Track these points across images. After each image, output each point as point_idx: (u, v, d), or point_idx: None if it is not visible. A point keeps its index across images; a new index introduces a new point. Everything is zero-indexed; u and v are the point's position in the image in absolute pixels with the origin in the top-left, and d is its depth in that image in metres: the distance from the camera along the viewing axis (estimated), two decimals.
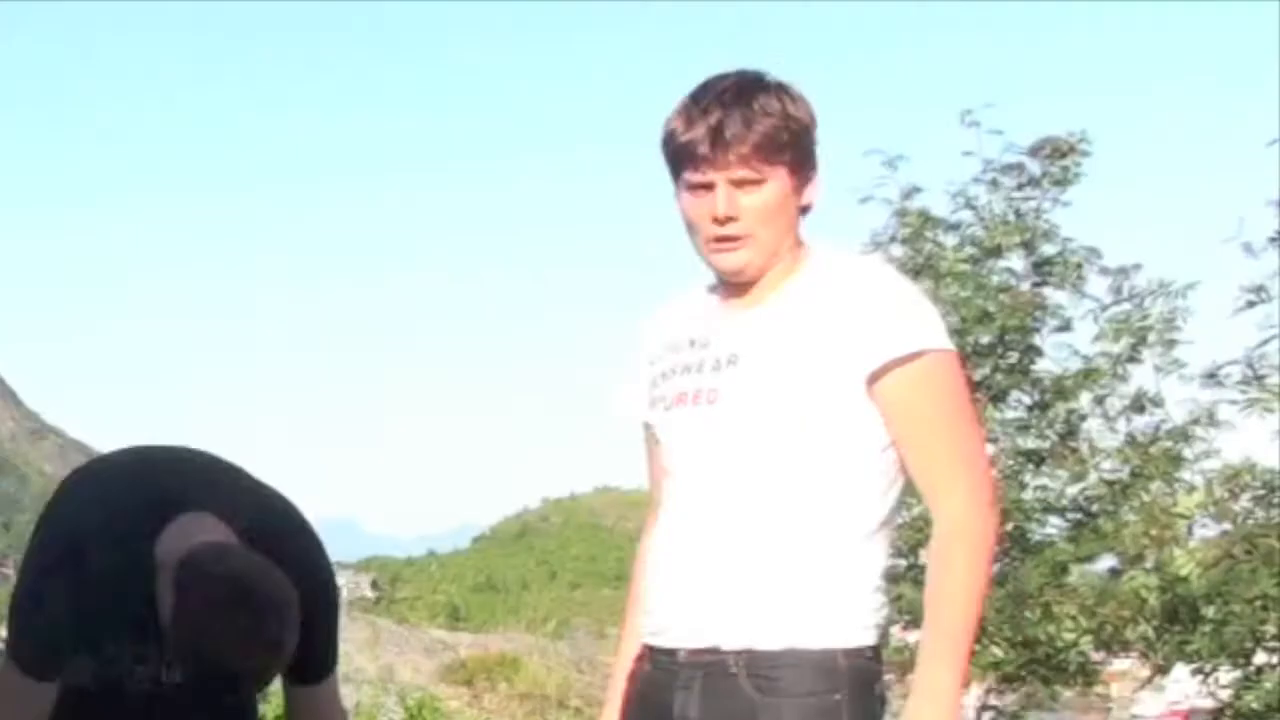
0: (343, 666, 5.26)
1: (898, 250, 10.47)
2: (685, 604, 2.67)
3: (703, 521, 2.68)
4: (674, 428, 2.74)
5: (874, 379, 2.52)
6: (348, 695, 5.62)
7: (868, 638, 2.61)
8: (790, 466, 2.59)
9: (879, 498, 2.63)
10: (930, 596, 2.56)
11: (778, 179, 2.58)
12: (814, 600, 2.58)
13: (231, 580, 2.79)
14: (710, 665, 2.62)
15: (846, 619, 2.60)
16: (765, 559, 2.60)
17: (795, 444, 2.59)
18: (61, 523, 3.10)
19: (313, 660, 3.15)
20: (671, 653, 2.69)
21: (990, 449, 10.15)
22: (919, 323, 2.57)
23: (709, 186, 2.55)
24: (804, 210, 2.74)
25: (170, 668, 2.92)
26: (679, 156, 2.61)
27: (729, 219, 2.54)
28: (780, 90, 2.59)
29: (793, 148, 2.60)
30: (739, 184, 2.52)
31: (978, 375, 10.05)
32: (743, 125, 2.50)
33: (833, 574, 2.58)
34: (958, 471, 2.54)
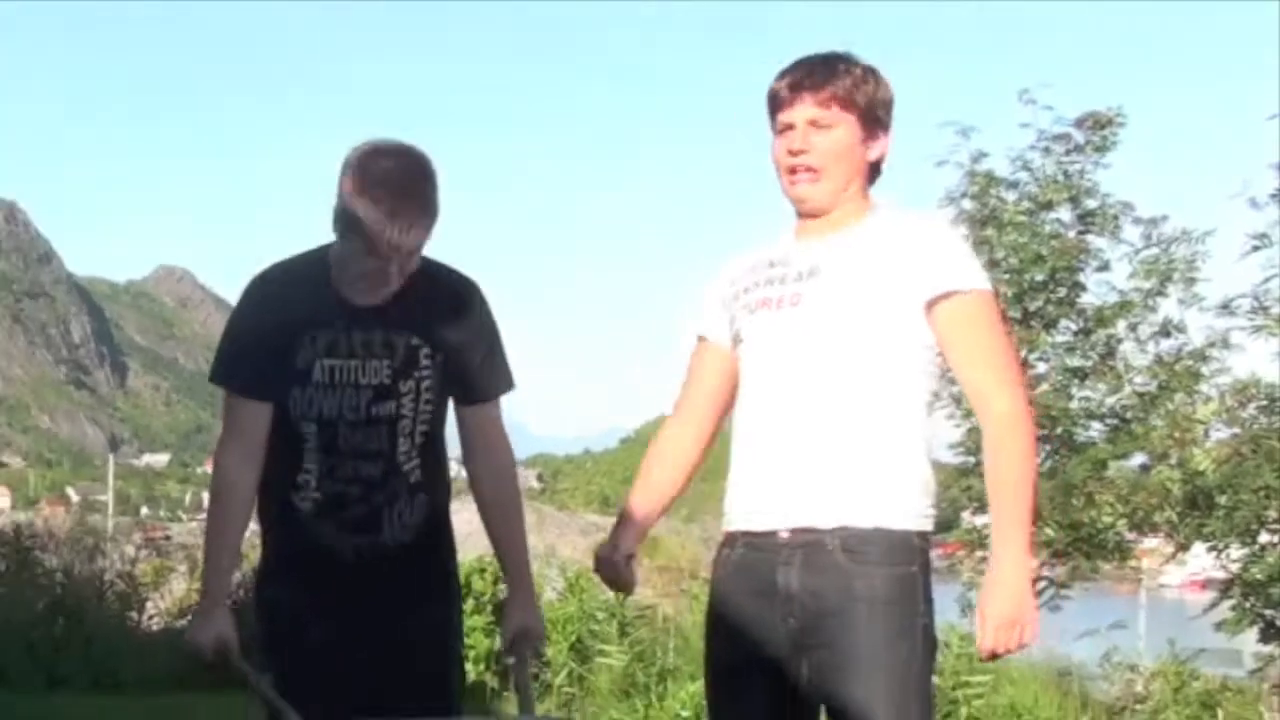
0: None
1: (967, 204, 11.68)
2: (783, 488, 2.85)
3: (791, 413, 2.87)
4: (758, 328, 2.93)
5: (933, 304, 2.79)
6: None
7: (929, 525, 2.90)
8: (865, 365, 2.83)
9: (926, 402, 2.95)
10: (993, 484, 2.80)
11: (848, 126, 2.85)
12: (893, 483, 2.85)
13: (393, 157, 3.10)
14: (809, 543, 2.82)
15: (916, 501, 2.89)
16: (849, 446, 2.83)
17: (867, 345, 2.83)
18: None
19: (484, 376, 3.43)
20: (771, 534, 2.88)
21: (1043, 367, 11.81)
22: (972, 266, 2.86)
23: (791, 126, 2.86)
24: (874, 167, 2.99)
25: (351, 332, 3.23)
26: (770, 105, 2.94)
27: (802, 151, 2.82)
28: (862, 65, 2.87)
29: (864, 105, 2.87)
30: (814, 124, 2.82)
31: (1032, 307, 11.54)
32: (821, 76, 2.82)
33: (905, 459, 2.87)
34: (1003, 380, 2.80)
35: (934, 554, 2.97)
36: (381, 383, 3.21)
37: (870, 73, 2.91)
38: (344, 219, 3.08)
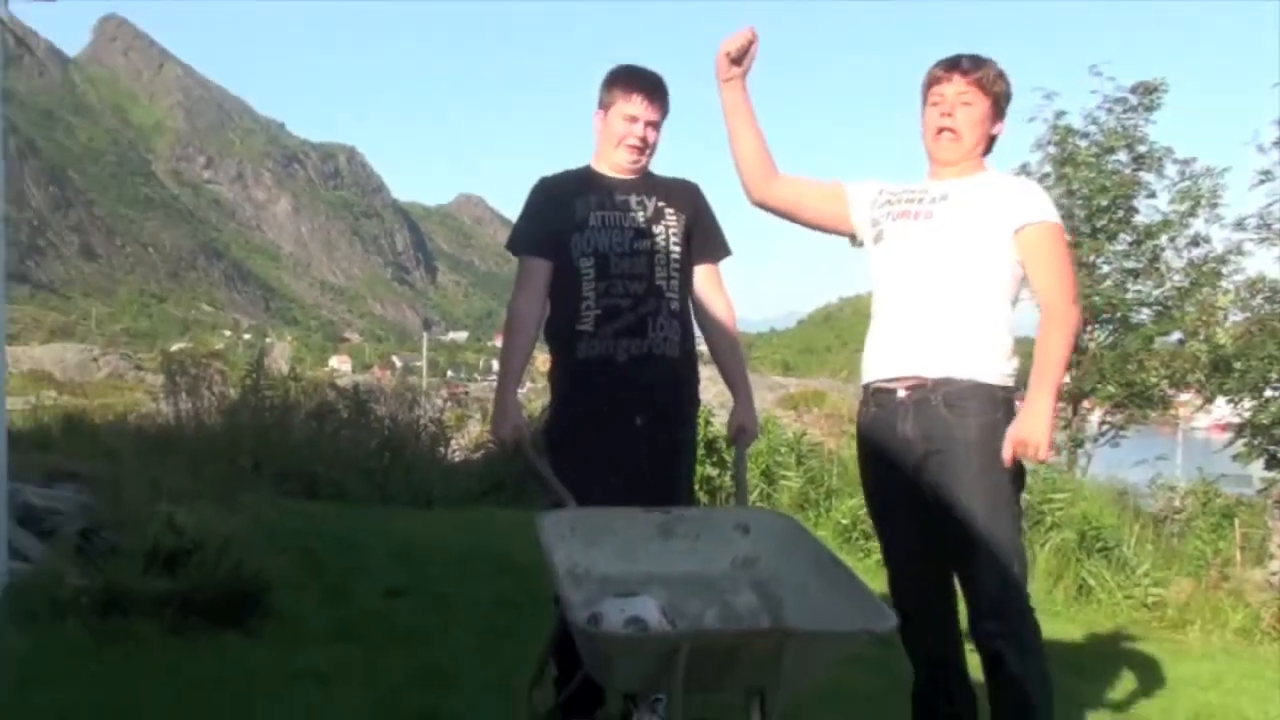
0: (717, 400, 6.59)
1: (1052, 150, 13.88)
2: (905, 347, 3.43)
3: (917, 295, 3.42)
4: (898, 230, 3.46)
5: (1019, 230, 3.35)
6: (720, 417, 6.71)
7: (1010, 381, 3.40)
8: (971, 267, 3.38)
9: (1012, 298, 3.46)
10: (1041, 351, 3.30)
11: (983, 106, 3.41)
12: (988, 349, 3.38)
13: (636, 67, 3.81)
14: (919, 400, 3.37)
15: (1003, 364, 3.40)
16: (960, 319, 3.38)
17: (975, 253, 3.38)
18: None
19: (710, 241, 3.85)
20: (891, 392, 3.43)
21: (1106, 268, 13.86)
22: (1048, 207, 3.39)
23: (943, 98, 3.42)
24: (992, 140, 3.53)
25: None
26: (927, 83, 3.48)
27: (948, 116, 3.39)
28: (998, 67, 3.45)
29: (995, 94, 3.43)
30: (961, 99, 3.39)
31: (1099, 224, 13.61)
32: (971, 66, 3.39)
33: (997, 334, 3.39)
34: (1064, 289, 3.34)
35: (1016, 403, 3.36)
36: (639, 226, 3.67)
37: (1001, 73, 3.46)
38: (601, 101, 3.78)
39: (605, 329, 3.62)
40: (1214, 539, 9.45)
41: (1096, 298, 13.59)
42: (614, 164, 3.75)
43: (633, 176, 3.75)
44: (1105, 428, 14.26)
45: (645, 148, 3.71)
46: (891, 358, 3.42)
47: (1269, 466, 12.92)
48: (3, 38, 6.01)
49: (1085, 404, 14.35)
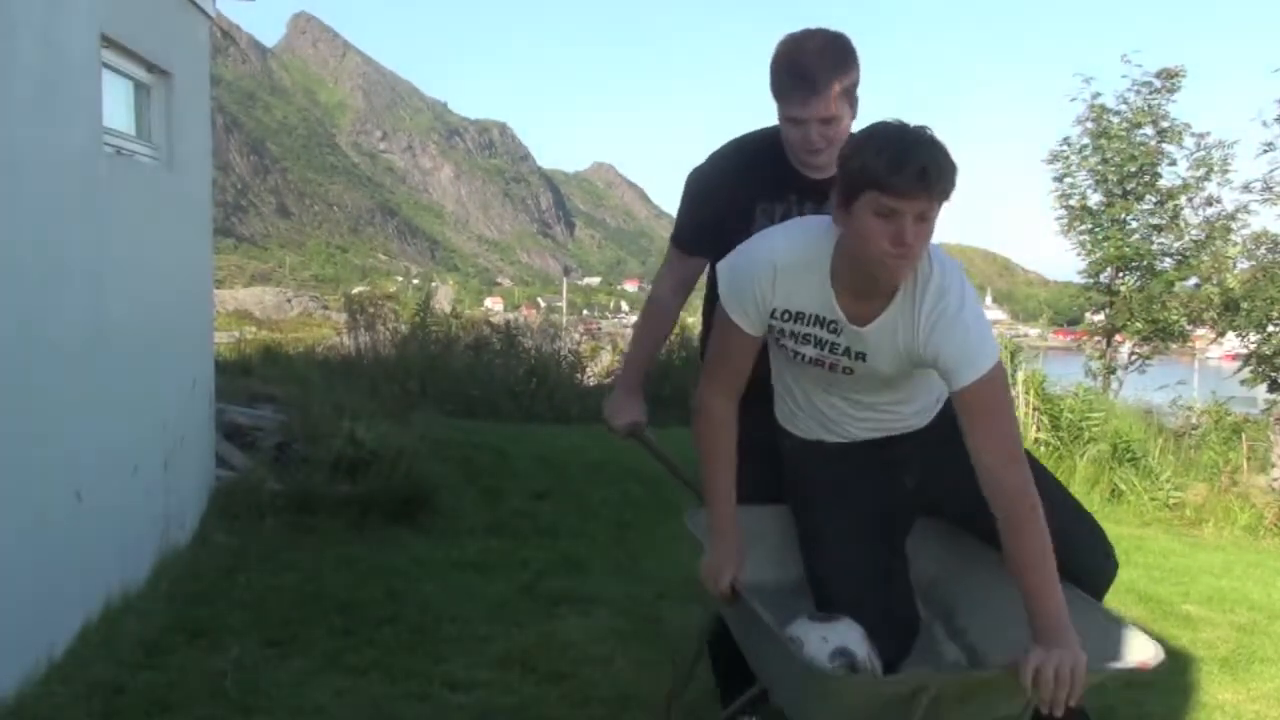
0: None
1: (1089, 125, 14.15)
2: (848, 430, 2.50)
3: (855, 406, 2.46)
4: (813, 372, 2.43)
5: (956, 393, 2.22)
6: None
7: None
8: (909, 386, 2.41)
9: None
10: (1021, 563, 2.12)
11: (937, 211, 2.14)
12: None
13: (785, 46, 2.62)
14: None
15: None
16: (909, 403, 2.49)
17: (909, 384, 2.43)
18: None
19: None
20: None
21: (1134, 224, 14.12)
22: (976, 352, 2.21)
23: (896, 213, 2.08)
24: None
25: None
26: (868, 184, 2.11)
27: (900, 239, 2.11)
28: (953, 160, 2.12)
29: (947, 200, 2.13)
30: (921, 215, 2.09)
31: (1128, 187, 13.90)
32: (937, 178, 2.07)
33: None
34: (1011, 457, 2.18)
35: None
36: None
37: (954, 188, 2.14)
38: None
39: None
40: (1225, 450, 9.40)
41: (1127, 249, 13.99)
42: (803, 161, 2.75)
43: (829, 175, 2.50)
44: (1134, 357, 14.56)
45: (825, 146, 2.63)
46: (834, 432, 2.54)
47: (1271, 390, 13.23)
48: (211, 31, 6.02)
49: (1117, 337, 14.64)
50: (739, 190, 2.77)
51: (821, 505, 2.54)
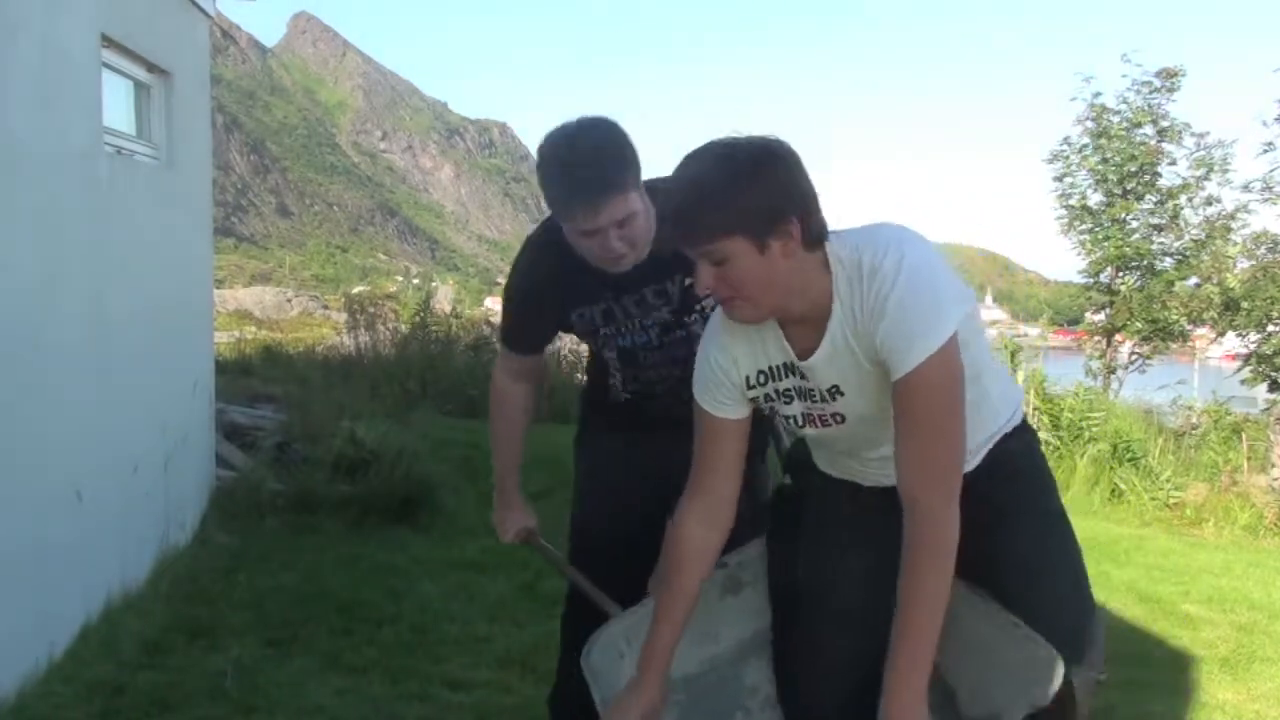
0: None
1: (1090, 124, 14.20)
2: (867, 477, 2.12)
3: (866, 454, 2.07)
4: (809, 430, 2.10)
5: (894, 385, 1.82)
6: None
7: (1019, 419, 2.12)
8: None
9: (978, 370, 1.94)
10: (909, 596, 1.82)
11: (736, 247, 1.80)
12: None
13: (548, 154, 2.28)
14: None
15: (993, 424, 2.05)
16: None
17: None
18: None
19: None
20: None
21: (1134, 224, 14.16)
22: (916, 334, 1.78)
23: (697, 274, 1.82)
24: (809, 235, 1.83)
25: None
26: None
27: (709, 291, 1.86)
28: (704, 191, 1.79)
29: (737, 219, 1.79)
30: (709, 261, 1.81)
31: (1129, 186, 13.93)
32: (680, 226, 1.84)
33: (978, 419, 1.96)
34: (931, 476, 1.83)
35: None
36: (665, 320, 2.49)
37: (711, 195, 1.78)
38: None
39: (641, 401, 2.69)
40: (1225, 450, 9.37)
41: (1127, 249, 14.02)
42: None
43: (635, 264, 2.38)
44: (1134, 357, 14.62)
45: (627, 250, 2.32)
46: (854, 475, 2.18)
47: (1271, 390, 13.24)
48: (211, 31, 6.00)
49: (1117, 337, 14.67)
50: (550, 297, 2.55)
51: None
